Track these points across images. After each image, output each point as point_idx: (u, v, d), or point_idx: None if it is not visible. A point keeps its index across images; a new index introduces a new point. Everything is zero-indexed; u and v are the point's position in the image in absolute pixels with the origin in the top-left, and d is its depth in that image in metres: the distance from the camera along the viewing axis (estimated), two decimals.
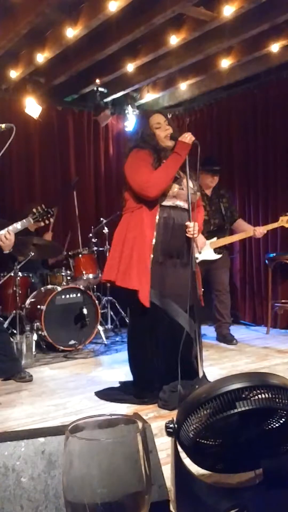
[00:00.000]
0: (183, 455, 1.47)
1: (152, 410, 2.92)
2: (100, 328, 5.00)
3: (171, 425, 1.43)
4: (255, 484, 1.56)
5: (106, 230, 5.50)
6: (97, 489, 0.56)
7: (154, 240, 3.01)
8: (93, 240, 5.42)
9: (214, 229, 4.87)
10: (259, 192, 5.85)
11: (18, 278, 4.63)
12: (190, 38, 4.75)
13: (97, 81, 5.76)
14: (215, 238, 4.84)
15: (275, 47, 4.95)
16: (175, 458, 1.45)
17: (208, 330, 5.24)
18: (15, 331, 4.56)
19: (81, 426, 0.61)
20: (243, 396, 1.36)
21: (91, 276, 5.02)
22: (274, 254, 5.37)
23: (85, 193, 6.30)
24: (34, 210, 3.94)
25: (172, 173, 3.00)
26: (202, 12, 4.32)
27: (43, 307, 4.60)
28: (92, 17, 4.25)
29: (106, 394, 3.25)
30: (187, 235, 3.03)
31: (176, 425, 1.42)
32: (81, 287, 4.93)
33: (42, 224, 4.05)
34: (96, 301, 5.01)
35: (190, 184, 3.08)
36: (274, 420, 1.46)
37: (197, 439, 1.42)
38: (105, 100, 6.39)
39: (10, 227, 3.51)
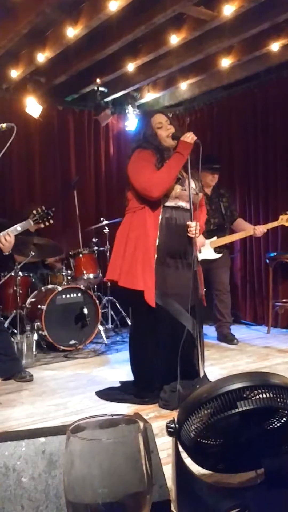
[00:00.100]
0: (184, 455, 1.47)
1: (153, 410, 2.92)
2: (100, 327, 5.00)
3: (172, 425, 1.43)
4: (256, 484, 1.56)
5: (106, 230, 5.50)
6: (98, 489, 0.56)
7: (157, 241, 3.01)
8: (94, 239, 5.42)
9: (214, 228, 4.86)
10: (259, 191, 5.85)
11: (19, 277, 4.63)
12: (190, 38, 4.74)
13: (98, 80, 5.76)
14: (215, 238, 4.84)
15: (275, 46, 4.95)
16: (176, 458, 1.45)
17: (209, 330, 5.24)
18: (15, 331, 4.56)
19: (82, 426, 0.61)
20: (244, 395, 1.36)
21: (91, 276, 5.02)
22: (275, 254, 5.37)
23: (85, 192, 6.30)
24: (34, 211, 3.94)
25: (175, 173, 3.00)
26: (203, 11, 4.32)
27: (44, 307, 4.60)
28: (93, 16, 4.25)
29: (107, 394, 3.25)
30: (189, 234, 3.03)
31: (177, 425, 1.42)
32: (82, 286, 4.93)
33: (42, 225, 4.05)
34: (97, 301, 5.01)
35: (192, 184, 3.08)
36: (275, 420, 1.46)
37: (198, 439, 1.42)
38: (106, 99, 6.39)
39: (10, 229, 3.51)
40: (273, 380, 1.38)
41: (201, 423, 1.37)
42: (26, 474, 1.07)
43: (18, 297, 4.61)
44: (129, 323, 5.21)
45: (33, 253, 4.59)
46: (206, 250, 4.75)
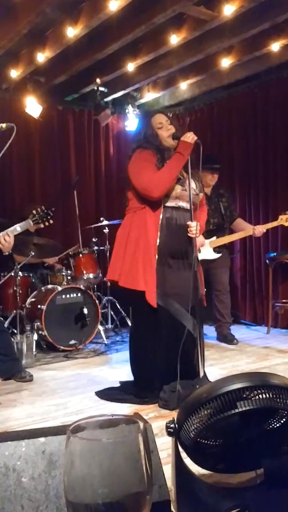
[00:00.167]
0: (183, 455, 1.47)
1: (153, 410, 2.92)
2: (100, 327, 5.00)
3: (172, 425, 1.43)
4: (256, 484, 1.56)
5: (106, 230, 5.50)
6: (98, 489, 0.56)
7: (158, 241, 3.01)
8: (94, 239, 5.42)
9: (213, 228, 4.86)
10: (259, 191, 5.85)
11: (19, 278, 4.63)
12: (190, 38, 4.74)
13: (98, 80, 5.76)
14: (214, 237, 4.84)
15: (275, 46, 4.95)
16: (176, 458, 1.45)
17: (209, 330, 5.24)
18: (15, 331, 4.56)
19: (82, 426, 0.61)
20: (244, 396, 1.36)
21: (91, 276, 5.02)
22: (275, 254, 5.37)
23: (85, 192, 6.30)
24: (34, 211, 3.94)
25: (175, 173, 3.00)
26: (203, 11, 4.32)
27: (44, 307, 4.60)
28: (93, 16, 4.25)
29: (107, 394, 3.25)
30: (189, 234, 3.03)
31: (176, 425, 1.42)
32: (82, 287, 4.93)
33: (42, 226, 4.04)
34: (97, 301, 5.01)
35: (193, 184, 3.08)
36: (275, 420, 1.46)
37: (198, 439, 1.42)
38: (106, 99, 6.39)
39: (10, 229, 3.51)
40: (273, 380, 1.38)
41: (201, 423, 1.37)
42: (26, 474, 1.07)
43: (18, 297, 4.61)
44: (129, 323, 5.22)
45: (33, 253, 4.59)
46: (206, 250, 4.76)
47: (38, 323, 4.63)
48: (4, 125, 3.11)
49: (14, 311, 4.63)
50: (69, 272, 5.14)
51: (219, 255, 4.87)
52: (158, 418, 2.77)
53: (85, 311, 4.81)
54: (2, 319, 4.02)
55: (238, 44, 5.14)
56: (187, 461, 1.51)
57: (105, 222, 5.44)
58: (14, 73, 5.38)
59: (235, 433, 1.45)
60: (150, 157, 3.04)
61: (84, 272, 4.99)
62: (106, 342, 4.96)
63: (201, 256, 4.64)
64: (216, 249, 4.86)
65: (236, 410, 1.35)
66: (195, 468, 1.57)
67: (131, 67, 5.36)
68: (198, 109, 6.67)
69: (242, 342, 4.89)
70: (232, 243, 5.99)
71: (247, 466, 1.57)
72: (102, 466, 0.56)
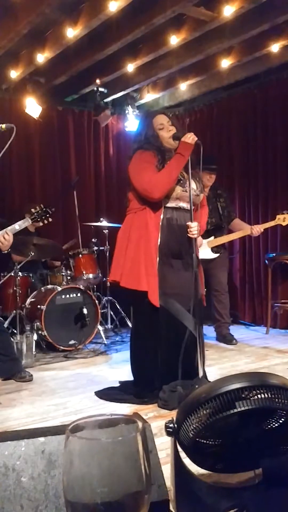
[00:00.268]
0: (182, 454, 1.48)
1: (152, 410, 2.93)
2: (100, 328, 5.00)
3: (171, 425, 1.43)
4: (254, 484, 1.56)
5: (106, 230, 5.50)
6: (97, 488, 0.57)
7: (159, 241, 3.02)
8: (93, 240, 5.43)
9: (211, 228, 4.87)
10: (259, 191, 5.86)
11: (18, 278, 4.64)
12: (190, 38, 4.75)
13: (97, 81, 5.77)
14: (212, 237, 4.85)
15: (275, 47, 4.95)
16: (175, 457, 1.46)
17: (208, 330, 5.24)
18: (15, 331, 4.56)
19: (82, 425, 0.61)
20: (243, 396, 1.36)
21: (91, 276, 5.02)
22: (274, 254, 5.37)
23: (85, 192, 6.31)
24: (33, 210, 3.93)
25: (176, 174, 3.01)
26: (202, 12, 4.33)
27: (43, 307, 4.61)
28: (92, 17, 4.26)
29: (106, 394, 3.25)
30: (188, 235, 3.04)
31: (175, 425, 1.43)
32: (81, 287, 4.93)
33: (41, 224, 4.04)
34: (96, 301, 5.02)
35: (193, 185, 3.08)
36: (273, 420, 1.46)
37: (197, 439, 1.42)
38: (105, 100, 6.39)
39: (9, 228, 3.51)
40: (272, 380, 1.39)
41: (200, 423, 1.38)
42: (25, 474, 1.08)
43: (18, 297, 4.61)
44: (129, 323, 5.23)
45: (33, 253, 4.60)
46: (204, 250, 4.76)
47: (38, 323, 4.63)
48: (3, 125, 3.11)
49: (14, 311, 4.63)
50: (68, 272, 5.15)
51: (217, 255, 4.88)
52: (157, 418, 2.77)
53: (85, 311, 4.81)
54: (2, 319, 4.02)
55: (238, 45, 5.15)
56: (186, 461, 1.52)
57: (105, 223, 5.44)
58: (14, 74, 5.38)
59: (234, 433, 1.46)
60: (151, 158, 3.05)
61: (84, 272, 5.00)
62: (105, 342, 4.96)
63: (199, 255, 4.64)
64: (214, 249, 4.86)
65: (235, 410, 1.35)
66: (194, 468, 1.57)
67: (131, 67, 5.36)
68: (197, 109, 6.68)
69: (241, 342, 4.89)
70: (232, 243, 6.00)
71: (246, 466, 1.57)
72: (101, 465, 0.57)
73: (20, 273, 4.71)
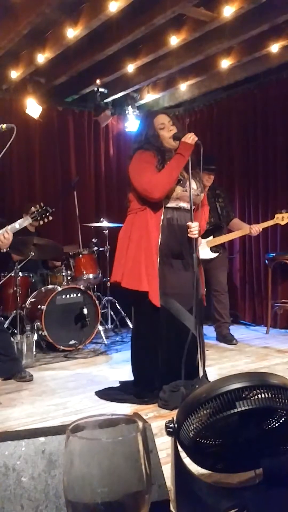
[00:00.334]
0: (183, 454, 1.48)
1: (152, 409, 2.93)
2: (100, 328, 5.00)
3: (171, 425, 1.43)
4: (255, 484, 1.56)
5: (106, 230, 5.50)
6: (97, 488, 0.57)
7: (159, 241, 3.02)
8: (93, 240, 5.43)
9: (210, 228, 4.87)
10: (259, 192, 5.86)
11: (19, 278, 4.64)
12: (190, 39, 4.75)
13: (98, 81, 5.77)
14: (211, 237, 4.85)
15: (275, 48, 4.95)
16: (175, 457, 1.46)
17: (208, 330, 5.24)
18: (15, 331, 4.56)
19: (82, 425, 0.61)
20: (243, 396, 1.36)
21: (91, 276, 5.02)
22: (274, 254, 5.37)
23: (85, 193, 6.31)
24: (33, 208, 3.93)
25: (176, 175, 3.01)
26: (202, 12, 4.33)
27: (44, 307, 4.61)
28: (93, 17, 4.26)
29: (106, 394, 3.25)
30: (189, 235, 3.04)
31: (176, 425, 1.43)
32: (82, 287, 4.93)
33: (41, 222, 4.03)
34: (97, 301, 5.02)
35: (194, 185, 3.08)
36: (274, 420, 1.46)
37: (197, 439, 1.42)
38: (106, 100, 6.40)
39: (9, 227, 3.51)
40: (272, 380, 1.39)
41: (200, 423, 1.38)
42: (25, 474, 1.08)
43: (18, 297, 4.61)
44: (129, 323, 5.23)
45: (33, 253, 4.60)
46: (203, 250, 4.76)
47: (38, 323, 4.63)
48: (4, 126, 3.11)
49: (14, 311, 4.64)
50: (69, 272, 5.15)
51: (216, 254, 4.88)
52: (157, 418, 2.77)
53: (85, 311, 4.81)
54: (2, 319, 4.02)
55: (238, 45, 5.15)
56: (187, 460, 1.52)
57: (105, 223, 5.44)
58: (14, 74, 5.38)
59: (234, 432, 1.46)
60: (151, 159, 3.05)
61: (84, 272, 5.00)
62: (106, 342, 4.96)
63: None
64: (213, 249, 4.86)
65: (235, 410, 1.35)
66: (195, 468, 1.57)
67: (131, 68, 5.37)
68: (197, 110, 6.68)
69: (242, 342, 4.89)
70: (232, 243, 6.00)
71: (246, 465, 1.57)
72: (102, 465, 0.57)
73: (20, 273, 4.72)
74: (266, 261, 5.45)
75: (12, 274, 4.64)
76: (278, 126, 5.61)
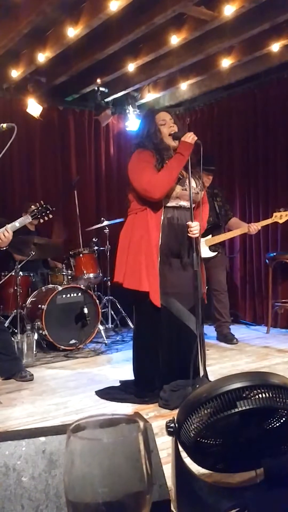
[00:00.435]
0: (183, 454, 1.48)
1: (153, 409, 2.93)
2: (100, 327, 5.00)
3: (172, 425, 1.43)
4: (256, 484, 1.56)
5: (106, 230, 5.50)
6: (98, 488, 0.56)
7: (160, 241, 3.02)
8: (94, 239, 5.43)
9: (209, 226, 4.87)
10: (259, 191, 5.85)
11: (19, 277, 4.64)
12: (190, 38, 4.74)
13: (98, 80, 5.77)
14: (209, 236, 4.85)
15: (275, 47, 4.95)
16: (176, 457, 1.46)
17: (208, 330, 5.24)
18: (16, 330, 4.57)
19: (83, 425, 0.61)
20: (244, 395, 1.36)
21: (91, 275, 5.02)
22: (275, 254, 5.37)
23: (86, 192, 6.31)
24: (33, 206, 3.92)
25: (175, 174, 3.01)
26: (203, 11, 4.32)
27: (44, 307, 4.61)
28: (93, 16, 4.25)
29: (107, 393, 3.25)
30: (189, 235, 3.04)
31: (176, 425, 1.43)
32: (82, 286, 4.93)
33: (41, 220, 4.02)
34: (97, 301, 5.02)
35: (193, 183, 3.08)
36: (274, 420, 1.46)
37: (198, 439, 1.42)
38: (106, 99, 6.39)
39: (9, 225, 3.51)
40: (273, 380, 1.39)
41: (201, 422, 1.38)
42: (26, 474, 1.08)
43: (19, 297, 4.61)
44: (129, 323, 5.23)
45: (33, 253, 4.59)
46: (202, 249, 4.75)
47: (39, 323, 4.63)
48: (4, 125, 3.11)
49: (15, 311, 4.64)
50: (69, 271, 5.15)
51: (214, 253, 4.88)
52: (158, 417, 2.77)
53: (86, 310, 4.81)
54: (2, 318, 4.02)
55: (238, 44, 5.15)
56: (187, 460, 1.52)
57: (106, 223, 5.44)
58: (15, 73, 5.38)
59: (235, 432, 1.46)
60: (149, 158, 3.05)
61: (85, 271, 5.00)
62: (106, 342, 4.97)
63: None
64: (212, 248, 4.86)
65: (236, 410, 1.35)
66: (195, 468, 1.57)
67: (131, 67, 5.36)
68: (198, 109, 6.67)
69: (242, 342, 4.89)
70: (232, 243, 6.00)
71: (247, 465, 1.57)
72: (102, 465, 0.57)
73: (20, 273, 4.72)
74: (267, 261, 5.45)
75: (13, 274, 4.64)
76: (278, 125, 5.61)
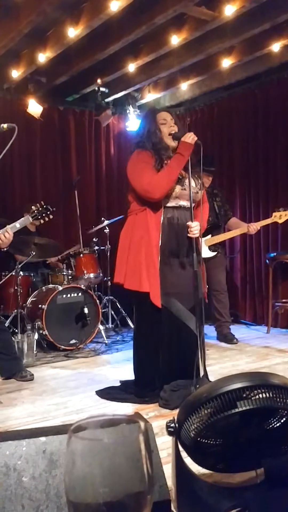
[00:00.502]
0: (184, 454, 1.48)
1: (153, 409, 2.93)
2: (101, 327, 5.00)
3: (172, 425, 1.43)
4: (256, 484, 1.56)
5: (107, 230, 5.51)
6: (99, 488, 0.57)
7: (160, 241, 3.02)
8: (94, 239, 5.43)
9: (208, 226, 4.87)
10: (259, 191, 5.85)
11: (19, 277, 4.64)
12: (191, 38, 4.74)
13: (99, 81, 5.76)
14: (209, 236, 4.85)
15: (276, 47, 4.95)
16: (176, 457, 1.46)
17: (209, 330, 5.24)
18: (16, 330, 4.56)
19: (83, 425, 0.61)
20: (244, 395, 1.36)
21: (92, 275, 5.02)
22: (275, 254, 5.37)
23: (86, 192, 6.31)
24: (33, 207, 3.92)
25: (175, 175, 3.01)
26: (204, 11, 4.32)
27: (44, 306, 4.61)
28: (94, 16, 4.25)
29: (107, 393, 3.25)
30: (189, 235, 3.04)
31: (177, 425, 1.43)
32: (82, 286, 4.93)
33: (42, 221, 4.02)
34: (97, 301, 5.02)
35: (192, 183, 3.08)
36: (275, 420, 1.46)
37: (198, 439, 1.42)
38: (106, 100, 6.40)
39: (9, 226, 3.51)
40: (273, 380, 1.39)
41: (201, 422, 1.38)
42: (26, 474, 1.08)
43: (19, 297, 4.61)
44: (130, 323, 5.23)
45: (34, 253, 4.60)
46: (202, 248, 4.76)
47: (39, 323, 4.64)
48: (5, 125, 3.11)
49: (15, 311, 4.64)
50: (69, 271, 5.15)
51: (214, 253, 4.88)
52: (158, 417, 2.77)
53: (86, 310, 4.82)
54: (3, 318, 4.03)
55: (239, 44, 5.15)
56: (187, 460, 1.52)
57: (106, 222, 5.44)
58: (15, 73, 5.38)
59: (235, 432, 1.46)
60: (148, 158, 3.05)
61: (85, 271, 5.00)
62: (106, 342, 4.97)
63: None
64: (212, 248, 4.86)
65: (236, 410, 1.35)
66: (195, 468, 1.57)
67: (132, 67, 5.36)
68: (198, 109, 6.67)
69: (242, 342, 4.89)
70: (232, 243, 6.00)
71: (247, 465, 1.57)
72: (103, 465, 0.57)
73: (21, 273, 4.72)
74: (267, 261, 5.45)
75: (13, 273, 4.64)
76: (279, 125, 5.61)
